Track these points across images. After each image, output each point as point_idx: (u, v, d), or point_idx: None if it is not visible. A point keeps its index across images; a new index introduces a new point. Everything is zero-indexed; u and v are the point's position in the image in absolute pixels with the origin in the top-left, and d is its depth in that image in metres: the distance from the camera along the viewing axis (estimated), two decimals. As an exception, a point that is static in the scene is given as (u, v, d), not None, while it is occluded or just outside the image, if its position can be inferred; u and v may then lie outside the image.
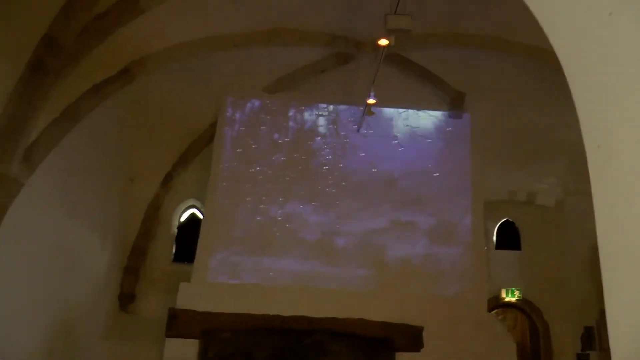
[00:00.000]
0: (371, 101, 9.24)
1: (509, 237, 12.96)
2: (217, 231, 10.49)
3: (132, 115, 10.90)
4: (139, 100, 10.77)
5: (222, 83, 11.14)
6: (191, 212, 12.61)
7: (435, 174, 11.09)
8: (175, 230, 12.40)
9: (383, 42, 7.48)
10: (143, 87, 10.28)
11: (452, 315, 9.91)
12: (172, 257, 12.18)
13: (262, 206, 10.79)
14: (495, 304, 12.00)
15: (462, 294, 10.24)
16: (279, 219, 10.67)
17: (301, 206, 10.73)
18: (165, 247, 12.16)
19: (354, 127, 11.09)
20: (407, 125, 11.33)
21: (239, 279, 10.20)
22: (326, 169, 11.05)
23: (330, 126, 11.23)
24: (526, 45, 9.01)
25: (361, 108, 10.42)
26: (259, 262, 10.27)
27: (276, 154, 11.15)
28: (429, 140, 11.33)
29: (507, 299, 12.35)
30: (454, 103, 11.27)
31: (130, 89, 10.07)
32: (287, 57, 10.77)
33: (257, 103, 11.34)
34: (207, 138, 11.73)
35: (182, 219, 12.57)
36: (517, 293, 12.29)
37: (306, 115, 11.33)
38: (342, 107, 11.32)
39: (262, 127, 11.23)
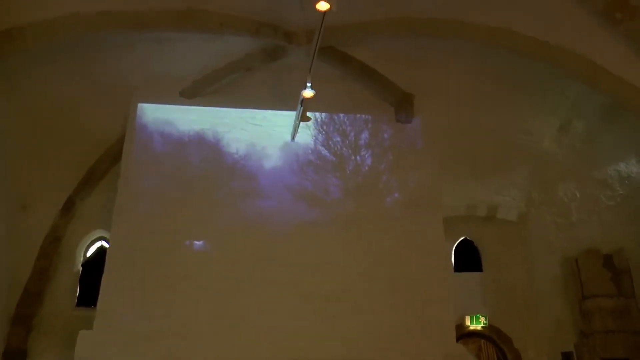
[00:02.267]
0: (307, 94, 7.73)
1: (468, 258, 11.62)
2: (126, 266, 8.52)
3: (18, 123, 8.92)
4: (26, 105, 8.86)
5: (132, 85, 9.38)
6: (99, 246, 10.50)
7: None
8: (80, 267, 10.26)
9: (322, 5, 6.00)
10: (31, 86, 8.42)
11: (415, 349, 8.30)
12: (76, 300, 10.01)
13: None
14: (460, 333, 10.49)
15: (425, 324, 8.66)
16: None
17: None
18: (66, 288, 9.97)
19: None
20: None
21: (154, 323, 8.20)
22: None
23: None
24: (485, 28, 7.84)
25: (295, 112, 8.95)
26: (176, 303, 8.38)
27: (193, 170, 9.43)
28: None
29: (471, 327, 10.89)
30: (401, 106, 9.95)
31: (11, 87, 8.21)
32: (208, 55, 9.20)
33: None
34: (115, 154, 9.80)
35: (89, 254, 10.45)
36: (482, 320, 10.85)
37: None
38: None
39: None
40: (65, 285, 9.98)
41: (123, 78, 9.26)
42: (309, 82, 7.60)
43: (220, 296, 8.54)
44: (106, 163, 10.03)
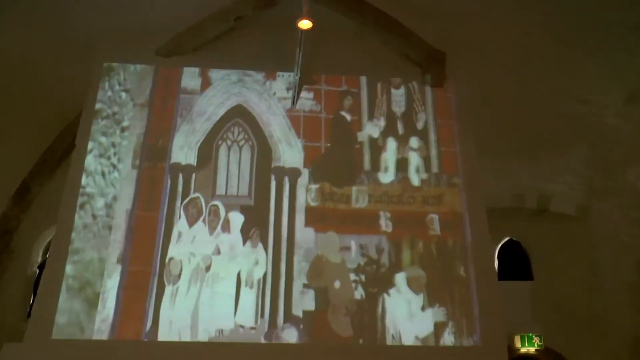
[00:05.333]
0: (304, 24, 5.84)
1: (515, 263, 9.44)
2: (75, 261, 6.47)
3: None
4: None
5: (95, 41, 7.63)
6: (62, 242, 8.66)
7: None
8: (36, 269, 8.44)
9: None
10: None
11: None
12: (28, 310, 8.14)
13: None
14: (509, 357, 8.26)
15: (471, 344, 6.48)
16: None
17: None
18: (16, 294, 8.16)
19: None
20: None
21: (103, 332, 6.20)
22: None
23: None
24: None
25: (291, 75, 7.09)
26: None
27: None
28: None
29: (522, 350, 8.66)
30: (430, 65, 7.99)
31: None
32: (188, 2, 7.49)
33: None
34: (80, 129, 8.04)
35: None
36: (536, 340, 8.62)
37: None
38: None
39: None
40: (15, 291, 8.20)
41: (84, 32, 7.57)
42: (305, 6, 5.72)
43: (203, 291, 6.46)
44: (69, 139, 8.26)
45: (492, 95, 8.16)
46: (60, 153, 8.33)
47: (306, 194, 6.38)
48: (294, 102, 7.52)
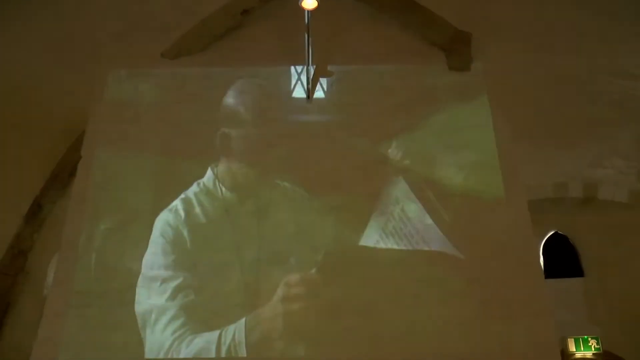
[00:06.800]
0: (308, 4, 5.33)
1: (562, 259, 8.65)
2: (83, 279, 6.13)
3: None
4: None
5: (105, 51, 7.32)
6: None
7: None
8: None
9: None
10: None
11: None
12: (45, 331, 7.79)
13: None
14: (563, 362, 7.51)
15: (519, 349, 5.67)
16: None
17: None
18: (32, 316, 7.76)
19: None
20: None
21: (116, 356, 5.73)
22: None
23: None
24: None
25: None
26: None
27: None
28: None
29: (577, 355, 7.83)
30: (454, 48, 7.38)
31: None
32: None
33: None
34: (90, 141, 7.70)
35: (65, 272, 8.27)
36: (593, 343, 7.80)
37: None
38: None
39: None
40: (30, 313, 7.81)
41: (86, 40, 7.27)
42: (306, -18, 5.20)
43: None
44: (79, 153, 7.92)
45: (524, 77, 7.49)
46: (71, 168, 7.96)
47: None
48: (308, 97, 7.05)
